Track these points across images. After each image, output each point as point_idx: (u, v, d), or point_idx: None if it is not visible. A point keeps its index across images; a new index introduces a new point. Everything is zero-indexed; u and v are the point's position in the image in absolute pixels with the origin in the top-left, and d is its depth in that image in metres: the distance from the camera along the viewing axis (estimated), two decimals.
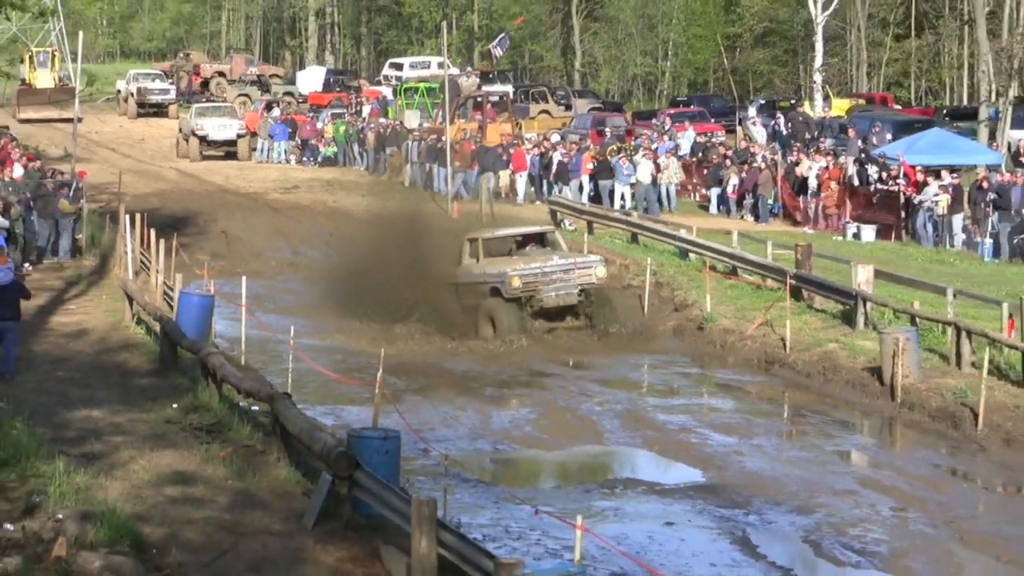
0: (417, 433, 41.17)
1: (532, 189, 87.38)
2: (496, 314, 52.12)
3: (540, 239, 56.62)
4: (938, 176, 77.76)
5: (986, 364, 48.00)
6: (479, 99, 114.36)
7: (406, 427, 40.03)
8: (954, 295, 55.78)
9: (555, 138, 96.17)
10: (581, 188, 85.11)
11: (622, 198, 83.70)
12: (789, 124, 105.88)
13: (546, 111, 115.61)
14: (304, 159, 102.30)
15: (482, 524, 34.21)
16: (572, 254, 54.84)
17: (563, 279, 52.59)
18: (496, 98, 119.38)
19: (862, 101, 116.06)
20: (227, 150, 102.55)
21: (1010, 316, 51.71)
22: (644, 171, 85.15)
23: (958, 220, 73.90)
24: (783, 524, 37.53)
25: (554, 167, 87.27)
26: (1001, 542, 36.48)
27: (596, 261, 54.50)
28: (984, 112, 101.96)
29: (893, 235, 74.73)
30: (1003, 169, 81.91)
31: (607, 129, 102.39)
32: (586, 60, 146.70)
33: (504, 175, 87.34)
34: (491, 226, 60.26)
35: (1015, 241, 70.32)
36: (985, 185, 75.65)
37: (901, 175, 78.81)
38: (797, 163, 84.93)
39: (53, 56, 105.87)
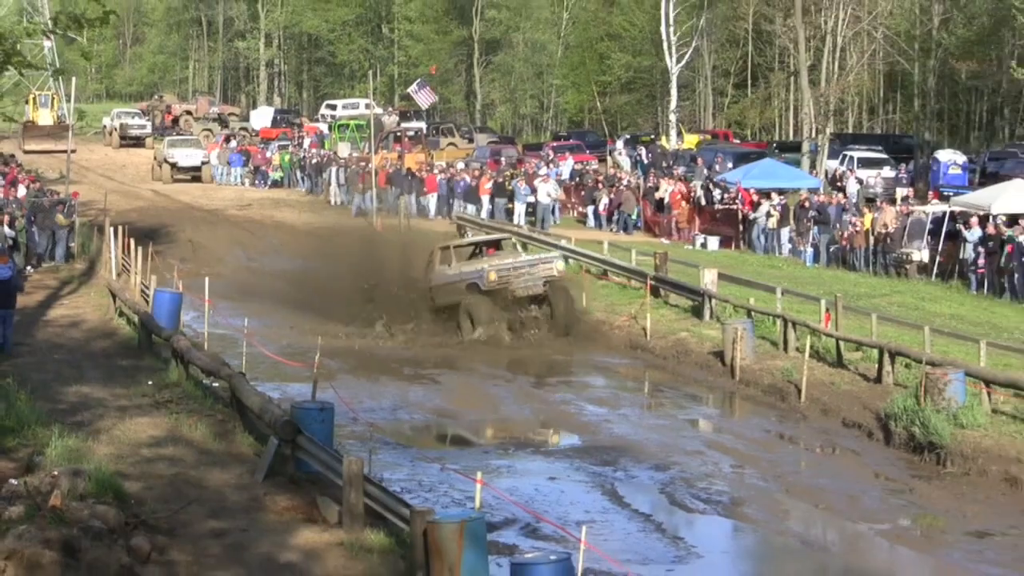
0: (348, 405, 41.27)
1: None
2: (474, 308, 51.79)
3: (497, 245, 56.90)
4: (769, 197, 78.08)
5: (807, 349, 48.78)
6: (398, 134, 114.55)
7: (339, 400, 40.17)
8: (782, 293, 56.06)
9: (460, 165, 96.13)
10: (481, 206, 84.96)
11: (518, 215, 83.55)
12: (649, 155, 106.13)
13: (453, 143, 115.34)
14: (256, 182, 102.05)
15: (400, 479, 34.37)
16: (536, 255, 55.86)
17: (530, 273, 53.04)
18: (412, 133, 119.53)
19: (708, 136, 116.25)
20: (193, 175, 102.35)
21: (827, 310, 52.08)
22: (543, 192, 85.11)
23: (785, 233, 74.13)
24: (644, 478, 37.83)
25: (459, 189, 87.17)
26: (819, 492, 37.19)
27: (555, 257, 54.98)
28: (806, 145, 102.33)
29: (733, 245, 74.96)
30: (821, 191, 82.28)
31: (502, 158, 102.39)
32: (485, 102, 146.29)
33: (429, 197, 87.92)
34: (455, 238, 60.77)
35: (831, 250, 70.77)
36: (807, 204, 75.95)
37: (739, 197, 79.12)
38: (656, 187, 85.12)
39: (52, 98, 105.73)
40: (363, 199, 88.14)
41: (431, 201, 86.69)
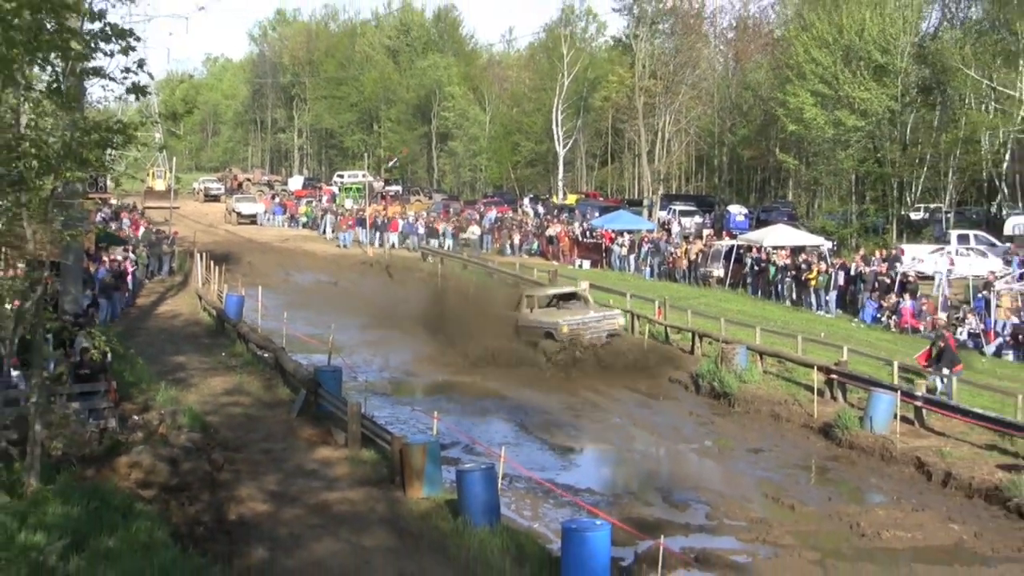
0: (351, 368, 41.48)
1: (411, 240, 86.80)
2: (548, 350, 45.52)
3: (575, 296, 50.80)
4: (621, 235, 77.96)
5: (647, 333, 48.82)
6: (383, 193, 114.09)
7: (345, 365, 40.31)
8: (630, 296, 55.74)
9: (423, 214, 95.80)
10: (442, 240, 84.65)
11: (458, 245, 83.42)
12: (545, 207, 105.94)
13: (419, 200, 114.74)
14: (291, 225, 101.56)
15: (384, 416, 34.46)
16: (602, 308, 49.16)
17: (596, 327, 46.87)
18: (392, 193, 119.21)
19: (583, 195, 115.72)
20: (250, 220, 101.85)
21: (659, 307, 52.08)
22: (475, 231, 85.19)
23: (632, 258, 74.00)
24: (541, 417, 37.64)
25: (424, 228, 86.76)
26: (654, 425, 37.27)
27: (618, 314, 49.02)
28: (646, 202, 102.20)
29: (599, 266, 74.64)
30: (655, 231, 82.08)
31: (451, 210, 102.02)
32: (439, 172, 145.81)
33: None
34: (541, 287, 54.59)
35: (661, 269, 70.57)
36: (646, 240, 75.94)
37: (602, 234, 79.08)
38: (547, 227, 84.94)
39: (164, 172, 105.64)
40: (346, 236, 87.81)
41: (393, 237, 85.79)
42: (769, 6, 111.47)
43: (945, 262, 61.14)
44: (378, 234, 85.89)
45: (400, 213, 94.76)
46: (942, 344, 37.73)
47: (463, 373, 45.01)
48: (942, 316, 47.57)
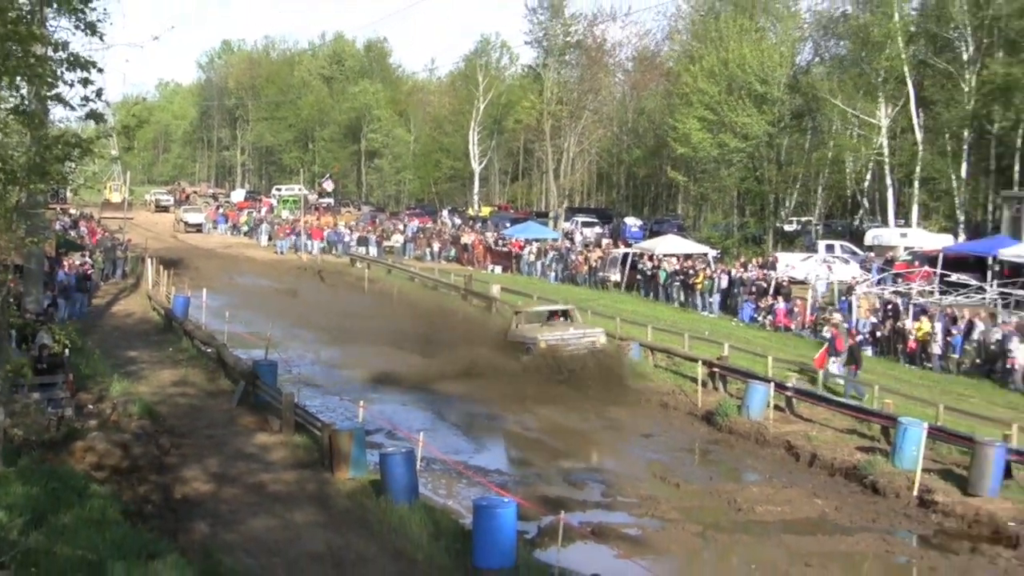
0: (286, 362, 41.22)
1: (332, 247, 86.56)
2: (525, 362, 42.33)
3: (565, 314, 46.83)
4: (530, 243, 78.03)
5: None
6: (317, 205, 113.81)
7: (281, 360, 40.10)
8: (536, 297, 55.88)
9: (352, 223, 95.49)
10: (367, 247, 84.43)
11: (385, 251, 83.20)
12: (461, 218, 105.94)
13: (349, 211, 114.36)
14: (233, 233, 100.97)
15: (316, 406, 34.14)
16: (583, 325, 44.86)
17: (577, 343, 42.59)
18: (325, 205, 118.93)
19: (496, 208, 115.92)
20: (196, 229, 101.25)
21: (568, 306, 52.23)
22: (399, 239, 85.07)
23: (539, 264, 74.09)
24: (457, 406, 37.69)
25: (355, 237, 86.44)
26: (554, 408, 37.12)
27: (600, 332, 44.06)
28: (552, 213, 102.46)
29: (510, 271, 74.69)
30: (560, 240, 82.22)
31: (378, 220, 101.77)
32: (367, 186, 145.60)
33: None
34: (533, 305, 50.89)
35: (565, 273, 70.72)
36: (551, 248, 76.08)
37: (512, 243, 79.16)
38: (463, 236, 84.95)
39: (121, 186, 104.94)
40: (282, 243, 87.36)
41: (316, 245, 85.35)
42: (662, 40, 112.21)
43: (824, 269, 61.97)
44: (318, 242, 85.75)
45: (331, 223, 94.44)
46: (852, 343, 38.04)
47: (388, 367, 45.16)
48: (838, 317, 47.80)
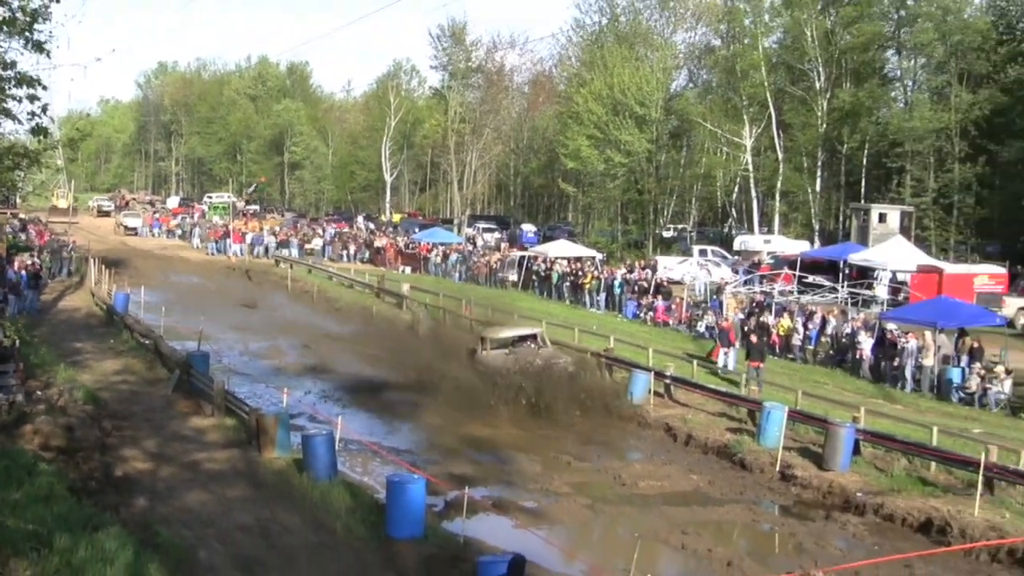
0: (217, 353, 40.93)
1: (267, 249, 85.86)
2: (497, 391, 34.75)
3: (533, 337, 39.43)
4: (436, 247, 77.94)
5: (449, 319, 48.46)
6: (244, 212, 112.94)
7: (212, 350, 39.83)
8: (442, 296, 55.94)
9: (276, 228, 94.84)
10: (292, 248, 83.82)
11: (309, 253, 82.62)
12: (374, 223, 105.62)
13: (273, 217, 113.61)
14: (168, 236, 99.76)
15: (244, 393, 33.87)
16: (553, 354, 37.76)
17: (541, 366, 35.78)
18: (252, 211, 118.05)
19: (406, 215, 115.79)
20: (135, 232, 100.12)
21: (466, 304, 52.17)
22: (318, 242, 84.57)
23: (444, 265, 74.01)
24: (375, 393, 37.52)
25: (276, 239, 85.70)
26: (465, 403, 36.41)
27: (568, 361, 37.39)
28: (456, 220, 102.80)
29: (419, 271, 74.47)
30: (463, 245, 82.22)
31: (299, 225, 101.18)
32: (290, 194, 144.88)
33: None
34: (499, 328, 41.82)
35: (468, 274, 70.62)
36: (455, 251, 76.06)
37: (421, 246, 79.09)
38: (376, 240, 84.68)
39: (66, 193, 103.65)
40: (213, 245, 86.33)
41: (236, 247, 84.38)
42: (555, 66, 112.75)
43: (698, 270, 62.62)
44: (240, 244, 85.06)
45: (257, 228, 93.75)
46: (754, 339, 38.22)
47: (310, 358, 45.00)
48: (731, 318, 48.10)
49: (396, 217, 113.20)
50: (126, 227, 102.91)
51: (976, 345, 39.69)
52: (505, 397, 33.88)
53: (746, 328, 44.50)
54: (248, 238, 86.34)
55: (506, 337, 36.67)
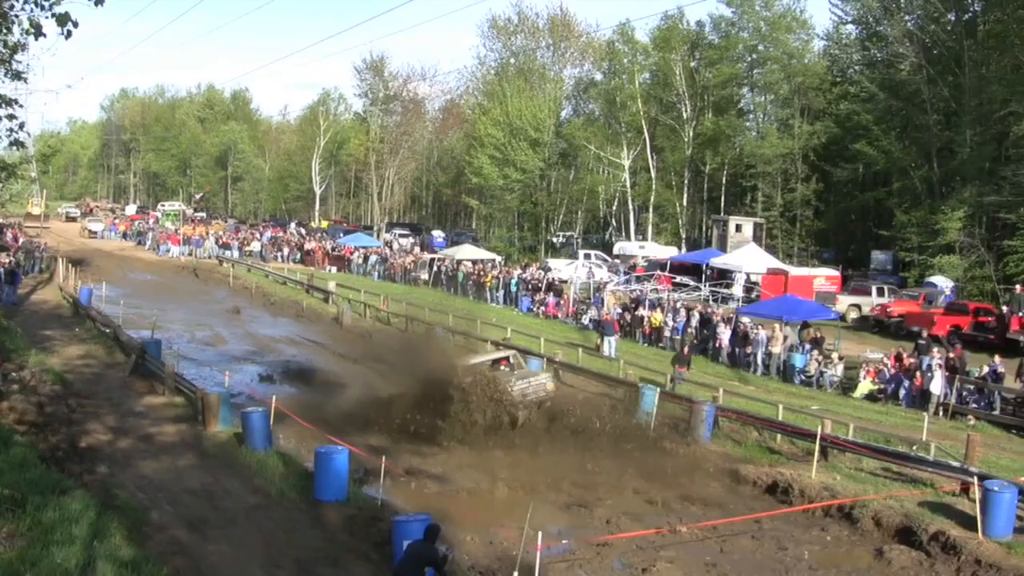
0: (168, 340, 40.59)
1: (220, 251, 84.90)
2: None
3: (507, 360, 33.36)
4: (359, 250, 77.69)
5: (376, 317, 48.26)
6: (194, 218, 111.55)
7: (164, 338, 39.54)
8: (363, 292, 55.69)
9: (220, 232, 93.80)
10: (232, 251, 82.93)
11: (245, 255, 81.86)
12: (305, 229, 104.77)
13: (218, 223, 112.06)
14: (125, 239, 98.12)
15: (192, 375, 33.52)
16: (531, 373, 32.82)
17: (522, 395, 30.12)
18: (199, 217, 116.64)
19: (333, 221, 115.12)
20: (97, 236, 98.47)
21: (384, 300, 52.03)
22: (256, 245, 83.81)
23: (365, 266, 73.70)
24: (306, 375, 37.31)
25: (196, 243, 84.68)
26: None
27: (548, 378, 32.52)
28: (376, 227, 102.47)
29: (343, 271, 74.01)
30: (382, 248, 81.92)
31: (240, 230, 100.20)
32: (233, 203, 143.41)
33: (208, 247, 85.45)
34: (473, 356, 34.57)
35: (386, 273, 70.31)
36: (375, 254, 75.80)
37: (346, 249, 78.74)
38: (306, 243, 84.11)
39: (40, 201, 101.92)
40: (164, 248, 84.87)
41: (176, 249, 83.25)
42: (461, 95, 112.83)
43: (585, 271, 62.99)
44: (188, 246, 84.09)
45: (204, 231, 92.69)
46: (687, 352, 38.14)
47: (251, 345, 44.68)
48: (611, 312, 48.38)
49: (324, 223, 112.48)
50: (90, 231, 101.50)
51: (817, 335, 40.49)
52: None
53: (619, 320, 45.23)
54: (182, 241, 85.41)
55: (480, 363, 32.24)
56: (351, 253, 78.00)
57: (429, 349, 36.54)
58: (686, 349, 37.95)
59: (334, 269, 75.11)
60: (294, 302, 57.52)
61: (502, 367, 31.93)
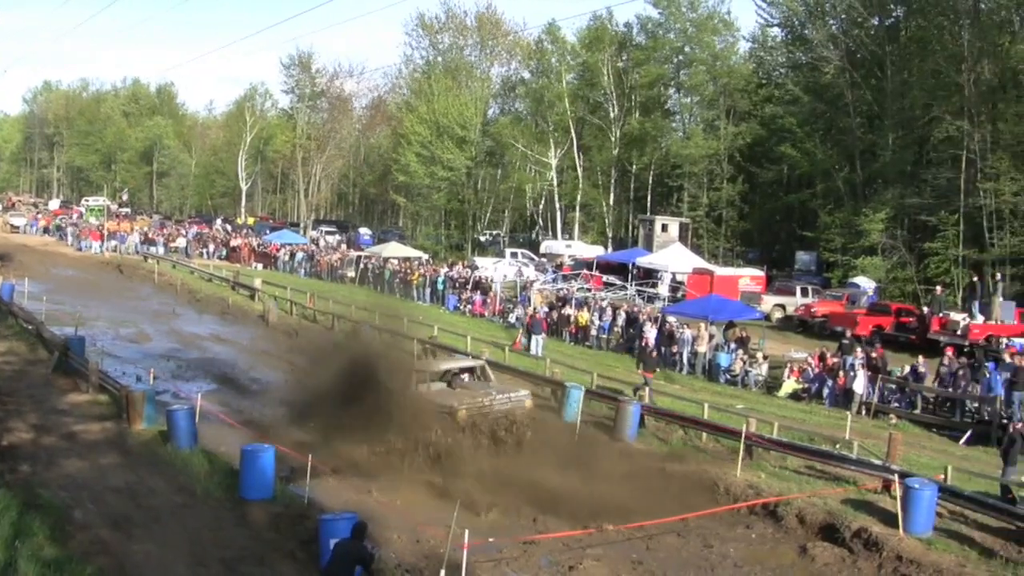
0: (92, 337, 40.02)
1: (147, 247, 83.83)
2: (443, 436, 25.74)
3: (471, 370, 30.45)
4: (285, 247, 77.31)
5: (302, 314, 47.84)
6: (118, 213, 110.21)
7: (88, 335, 38.97)
8: (290, 289, 55.36)
9: (145, 228, 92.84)
10: (157, 247, 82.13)
11: (172, 250, 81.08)
12: (231, 225, 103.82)
13: (142, 219, 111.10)
14: (47, 234, 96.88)
15: (116, 372, 33.11)
16: (507, 387, 30.22)
17: (500, 411, 27.66)
18: (124, 212, 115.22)
19: (259, 218, 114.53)
20: (19, 230, 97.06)
21: (310, 297, 51.87)
22: (182, 241, 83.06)
23: (292, 263, 73.36)
24: (231, 372, 37.00)
25: (120, 240, 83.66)
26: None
27: (526, 395, 29.35)
28: (302, 224, 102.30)
29: (269, 268, 73.55)
30: (308, 245, 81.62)
31: (165, 226, 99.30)
32: (158, 199, 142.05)
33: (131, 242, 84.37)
34: (432, 361, 32.66)
35: (311, 271, 69.88)
36: (301, 251, 75.39)
37: (272, 246, 78.32)
38: (232, 240, 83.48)
39: None
40: (83, 242, 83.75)
41: (97, 245, 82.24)
42: (388, 93, 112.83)
43: (514, 270, 63.25)
44: (113, 241, 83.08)
45: (129, 227, 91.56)
46: (654, 354, 37.86)
47: (174, 342, 44.25)
48: (539, 311, 48.47)
49: (250, 220, 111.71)
50: (12, 225, 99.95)
51: (742, 335, 40.87)
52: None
53: (546, 319, 45.49)
54: (106, 236, 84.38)
55: (445, 370, 29.81)
56: (277, 250, 77.54)
57: (369, 348, 36.43)
58: (653, 354, 37.55)
59: (260, 266, 74.67)
60: (220, 299, 56.97)
61: (465, 377, 29.77)
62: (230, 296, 57.51)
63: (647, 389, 33.31)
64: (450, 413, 26.79)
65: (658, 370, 37.03)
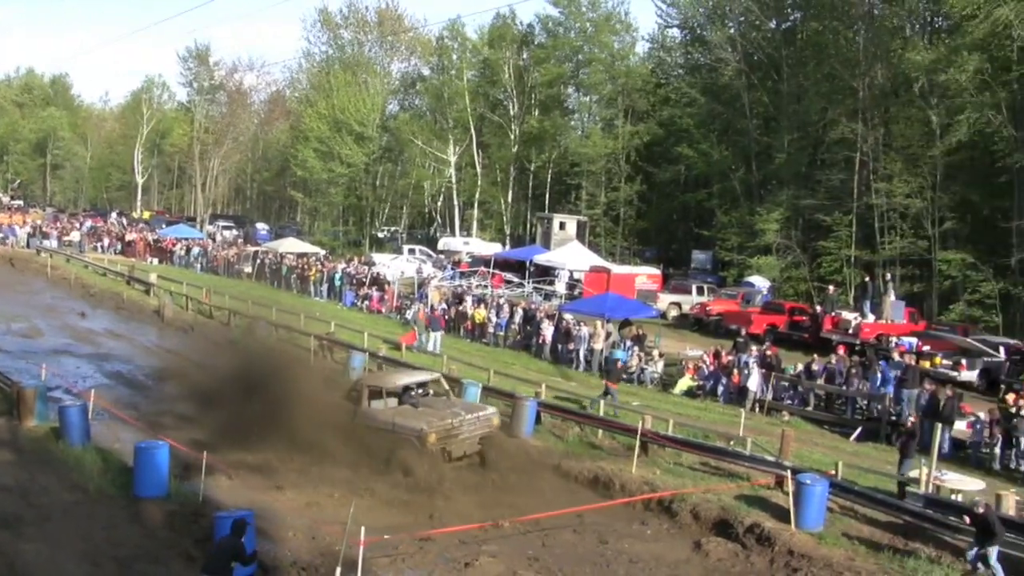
0: None
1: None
2: (413, 463, 23.63)
3: (426, 384, 27.77)
4: (181, 241, 76.32)
5: (197, 310, 47.03)
6: (10, 206, 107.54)
7: None
8: (186, 284, 54.66)
9: (38, 221, 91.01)
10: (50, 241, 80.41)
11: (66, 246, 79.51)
12: (127, 219, 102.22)
13: (36, 211, 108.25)
14: None
15: (6, 368, 32.36)
16: (472, 405, 28.33)
17: (470, 433, 25.59)
18: (16, 205, 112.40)
19: (155, 212, 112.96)
20: None
21: (206, 292, 51.29)
22: (76, 235, 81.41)
23: (186, 258, 72.40)
24: (123, 368, 36.50)
25: (39, 231, 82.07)
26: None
27: (493, 413, 27.20)
28: (199, 219, 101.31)
29: (165, 263, 72.61)
30: (205, 240, 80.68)
31: (59, 219, 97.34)
32: (52, 191, 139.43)
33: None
34: (385, 375, 29.97)
35: (208, 267, 69.09)
36: (198, 245, 74.48)
37: (168, 240, 77.28)
38: (128, 234, 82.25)
39: None
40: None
41: (20, 238, 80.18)
42: (287, 87, 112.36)
43: (413, 266, 63.31)
44: (4, 234, 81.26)
45: (21, 221, 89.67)
46: (619, 364, 37.48)
47: (68, 337, 43.47)
48: (436, 307, 48.39)
49: (146, 214, 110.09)
50: None
51: (639, 333, 41.27)
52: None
53: (443, 315, 45.49)
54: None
55: (399, 385, 27.11)
56: (173, 245, 76.45)
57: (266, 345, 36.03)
58: (618, 364, 36.73)
59: (156, 261, 73.65)
60: (114, 294, 55.95)
61: (423, 392, 27.53)
62: (125, 291, 56.47)
63: (610, 398, 32.93)
64: (418, 438, 24.52)
65: (621, 379, 36.48)
